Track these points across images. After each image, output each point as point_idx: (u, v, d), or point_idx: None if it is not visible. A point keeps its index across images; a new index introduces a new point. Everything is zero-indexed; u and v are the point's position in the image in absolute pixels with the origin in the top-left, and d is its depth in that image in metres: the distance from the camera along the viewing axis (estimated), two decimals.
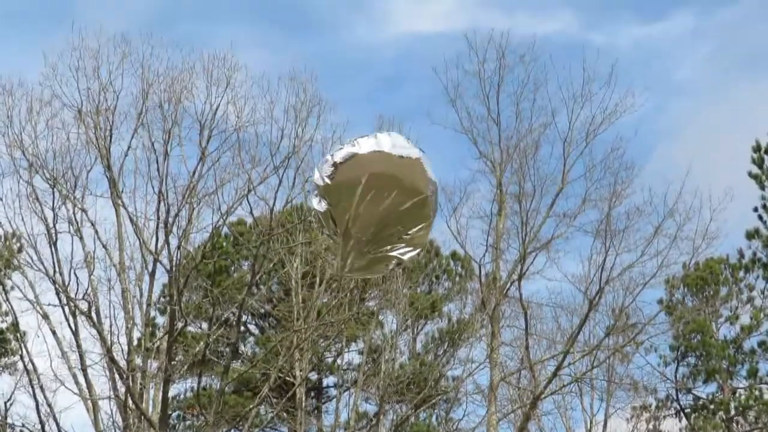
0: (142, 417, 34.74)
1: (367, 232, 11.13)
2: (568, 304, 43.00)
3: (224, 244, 41.85)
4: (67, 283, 35.09)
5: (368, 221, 11.04)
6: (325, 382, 48.91)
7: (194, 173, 34.80)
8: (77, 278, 35.26)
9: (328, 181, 10.76)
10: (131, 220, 35.62)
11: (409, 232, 11.26)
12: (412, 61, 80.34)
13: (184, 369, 39.30)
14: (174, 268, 34.83)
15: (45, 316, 35.77)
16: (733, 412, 47.89)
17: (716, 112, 73.44)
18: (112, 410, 35.92)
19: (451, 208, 40.93)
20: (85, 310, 34.98)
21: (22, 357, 38.74)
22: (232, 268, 43.44)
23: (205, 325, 40.78)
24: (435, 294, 47.14)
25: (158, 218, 34.78)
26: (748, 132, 44.66)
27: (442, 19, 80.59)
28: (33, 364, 37.21)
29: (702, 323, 47.16)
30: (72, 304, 35.15)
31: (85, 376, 35.48)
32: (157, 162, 35.01)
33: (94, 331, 35.10)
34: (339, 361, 47.25)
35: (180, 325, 36.52)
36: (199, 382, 42.03)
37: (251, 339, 48.06)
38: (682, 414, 48.83)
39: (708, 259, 46.32)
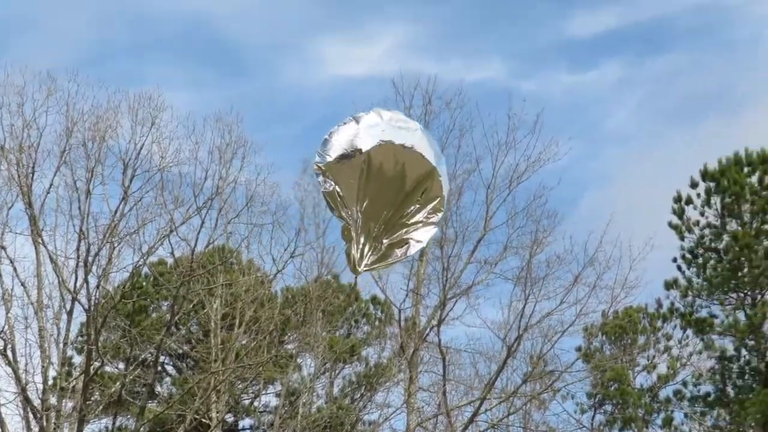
0: None
1: (380, 214, 11.17)
2: (487, 351, 43.20)
3: (144, 284, 41.79)
4: None
5: (379, 200, 11.11)
6: (241, 424, 48.84)
7: (116, 212, 34.83)
8: None
9: (329, 159, 10.80)
10: (51, 258, 35.41)
11: (423, 212, 11.44)
12: (343, 105, 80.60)
13: (99, 409, 39.02)
14: (92, 308, 34.82)
15: None
16: None
17: (644, 160, 74.33)
18: None
19: None
20: (1, 348, 34.80)
21: None
22: (152, 308, 43.38)
23: (122, 365, 40.93)
24: (354, 338, 47.22)
25: (78, 257, 34.72)
26: (673, 181, 45.32)
27: (375, 64, 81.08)
28: None
29: (619, 371, 47.50)
30: None
31: None
32: (79, 200, 35.03)
33: (9, 370, 34.86)
34: (256, 403, 47.37)
35: (96, 364, 36.56)
36: (114, 423, 42.01)
37: (168, 380, 47.94)
38: None
39: (627, 307, 46.67)
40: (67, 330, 36.01)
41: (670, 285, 45.20)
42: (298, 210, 40.94)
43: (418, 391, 41.87)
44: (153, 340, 38.73)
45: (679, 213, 45.00)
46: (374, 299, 48.29)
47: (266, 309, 38.96)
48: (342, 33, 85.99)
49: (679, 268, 45.13)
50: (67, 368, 36.74)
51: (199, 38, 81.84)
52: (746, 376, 44.37)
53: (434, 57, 79.46)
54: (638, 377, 48.92)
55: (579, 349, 46.91)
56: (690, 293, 44.94)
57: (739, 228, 43.88)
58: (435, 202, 11.55)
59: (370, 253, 11.25)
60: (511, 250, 41.99)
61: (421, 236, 11.57)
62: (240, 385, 43.53)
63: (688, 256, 44.99)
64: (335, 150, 10.87)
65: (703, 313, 44.97)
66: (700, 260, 44.76)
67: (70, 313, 35.61)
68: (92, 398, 37.39)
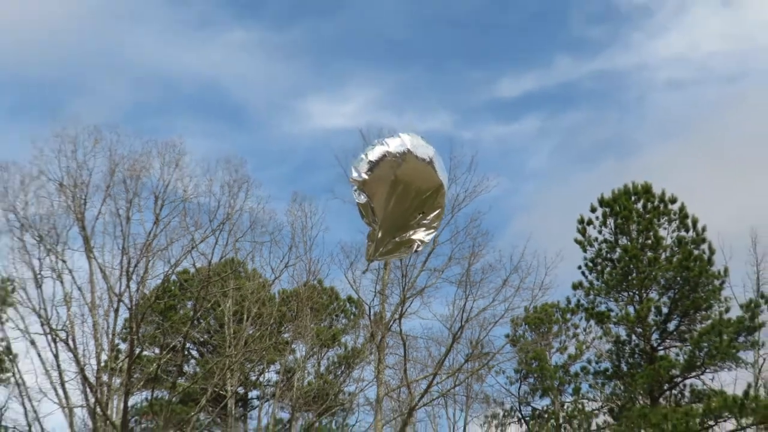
0: (108, 421, 34.56)
1: (396, 220, 11.14)
2: (437, 337, 43.22)
3: (173, 288, 41.68)
4: (50, 317, 34.93)
5: (396, 211, 11.09)
6: (250, 395, 48.59)
7: (150, 234, 34.90)
8: (58, 313, 35.22)
9: (365, 176, 10.71)
10: (100, 269, 35.43)
11: (428, 218, 11.42)
12: (323, 150, 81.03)
13: (140, 384, 38.93)
14: (133, 307, 34.80)
15: (32, 342, 35.59)
16: (561, 420, 48.25)
17: (556, 193, 74.46)
18: (84, 416, 35.76)
19: (348, 263, 41.17)
20: (64, 338, 34.77)
21: (13, 374, 38.47)
22: (179, 307, 43.23)
23: (157, 350, 40.68)
24: (335, 328, 47.02)
25: (121, 268, 34.73)
26: (578, 208, 45.29)
27: (350, 118, 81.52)
28: (22, 379, 37.18)
29: (539, 352, 47.45)
30: (53, 333, 34.93)
31: (63, 389, 35.34)
32: (121, 224, 35.12)
33: (70, 354, 34.83)
34: (261, 378, 47.13)
35: (138, 350, 36.47)
36: (152, 395, 41.69)
37: (193, 361, 47.64)
38: (523, 421, 49.11)
39: (543, 304, 46.63)
40: (114, 324, 36.09)
41: (576, 286, 44.96)
42: (289, 231, 41.01)
43: (385, 368, 41.68)
44: (180, 331, 38.57)
45: (582, 231, 44.84)
46: (350, 298, 47.98)
47: (267, 307, 38.94)
48: (324, 94, 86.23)
49: (583, 273, 44.90)
50: (115, 353, 36.58)
51: (213, 98, 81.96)
52: (636, 356, 44.07)
53: (395, 111, 79.83)
54: (553, 357, 48.80)
55: (507, 335, 47.00)
56: (591, 293, 44.63)
57: (629, 243, 43.75)
58: (437, 212, 11.56)
59: (383, 247, 11.33)
60: (454, 260, 41.97)
61: (425, 237, 11.69)
62: (248, 365, 43.42)
63: (590, 264, 44.72)
64: (368, 166, 10.80)
65: (602, 308, 44.62)
66: (599, 267, 44.52)
67: (116, 311, 35.66)
68: (135, 376, 37.12)
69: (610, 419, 45.60)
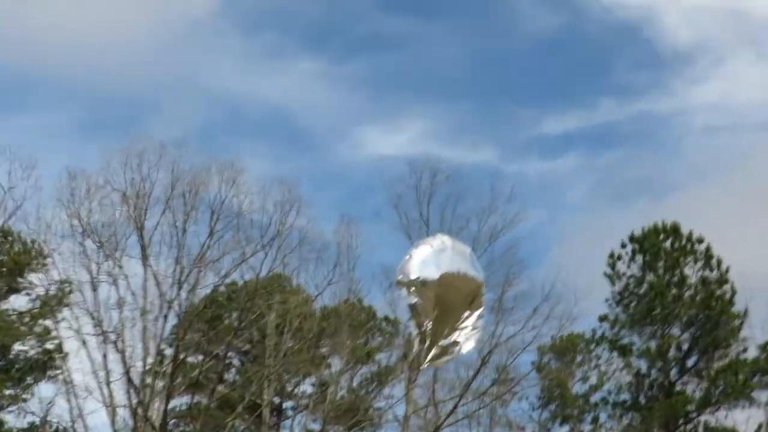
0: (148, 422, 34.53)
1: (445, 322, 10.60)
2: (466, 360, 42.77)
3: (220, 298, 41.66)
4: (102, 319, 35.11)
5: (443, 313, 10.53)
6: (284, 405, 48.41)
7: (204, 245, 35.25)
8: (110, 316, 35.35)
9: (411, 277, 10.28)
10: (154, 276, 35.70)
11: (472, 318, 10.89)
12: (375, 176, 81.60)
13: (182, 389, 38.93)
14: (182, 314, 34.92)
15: (83, 343, 35.69)
16: None
17: (591, 227, 74.35)
18: (125, 416, 35.64)
19: (388, 283, 40.98)
20: (114, 340, 34.87)
21: (63, 372, 38.42)
22: (225, 317, 43.24)
23: (200, 357, 40.64)
24: (370, 346, 46.95)
25: (174, 277, 35.05)
26: (610, 243, 45.12)
27: (402, 146, 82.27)
28: (71, 377, 37.15)
29: (562, 381, 47.27)
30: (104, 334, 35.04)
31: (109, 388, 35.34)
32: (177, 236, 35.48)
33: (118, 356, 35.00)
34: (296, 390, 46.97)
35: (182, 356, 36.50)
36: (192, 399, 41.89)
37: (233, 370, 47.64)
38: None
39: (570, 333, 46.37)
40: (163, 329, 36.36)
41: (602, 318, 44.86)
42: (335, 250, 41.01)
43: (414, 387, 41.59)
44: (224, 340, 38.75)
45: (612, 266, 44.76)
46: (386, 318, 48.04)
47: (308, 321, 38.92)
48: (379, 123, 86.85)
49: (609, 306, 44.87)
50: (160, 357, 36.71)
51: (277, 122, 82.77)
52: (654, 389, 43.95)
53: (445, 144, 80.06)
54: (575, 385, 48.52)
55: (533, 362, 46.68)
56: (617, 325, 44.61)
57: (655, 279, 43.67)
58: (480, 310, 11.04)
59: (431, 352, 10.75)
60: (489, 287, 41.53)
61: (470, 341, 11.13)
62: (285, 376, 43.42)
63: (617, 297, 44.68)
64: (414, 271, 10.36)
65: (626, 341, 44.59)
66: (625, 301, 44.48)
67: (165, 317, 35.97)
68: (177, 380, 37.14)
69: None
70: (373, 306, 46.36)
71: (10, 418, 40.82)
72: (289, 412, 47.84)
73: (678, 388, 43.45)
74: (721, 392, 41.90)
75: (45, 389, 51.07)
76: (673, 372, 43.54)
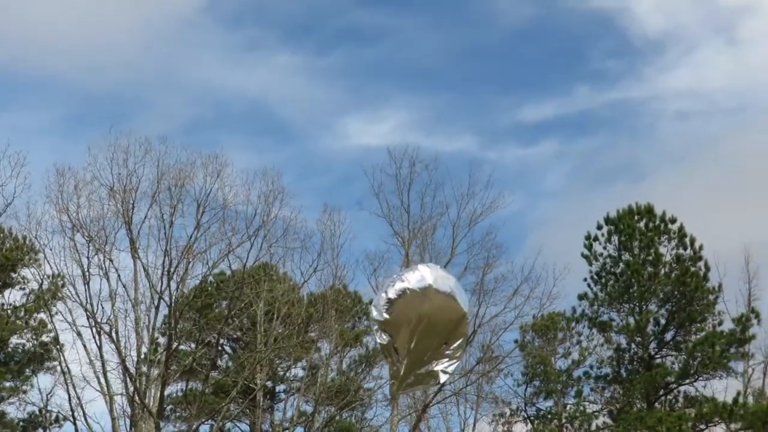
0: (145, 409, 34.84)
1: (419, 355, 9.98)
2: None
3: (210, 288, 41.87)
4: (95, 311, 35.25)
5: (420, 347, 9.97)
6: (277, 388, 48.67)
7: (191, 238, 35.32)
8: (103, 308, 35.50)
9: (386, 315, 9.71)
10: (144, 268, 35.80)
11: (451, 348, 10.27)
12: (358, 166, 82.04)
13: (176, 376, 39.21)
14: (173, 304, 35.16)
15: (78, 334, 35.88)
16: (563, 420, 48.22)
17: (569, 211, 74.72)
18: (123, 403, 35.95)
19: (372, 269, 41.37)
20: (108, 331, 35.09)
21: (60, 363, 38.77)
22: (215, 306, 43.43)
23: (193, 345, 40.90)
24: (358, 329, 47.20)
25: (163, 268, 35.10)
26: (587, 226, 45.43)
27: (383, 136, 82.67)
28: (68, 368, 37.44)
29: (544, 357, 47.56)
30: (98, 326, 35.22)
31: (105, 378, 35.60)
32: (165, 228, 35.43)
33: (113, 346, 35.22)
34: (287, 374, 47.22)
35: (175, 344, 36.78)
36: (187, 386, 42.16)
37: (226, 356, 47.82)
38: (528, 421, 49.06)
39: (550, 312, 46.53)
40: (155, 319, 36.55)
41: (581, 297, 45.09)
42: (319, 238, 41.26)
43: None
44: (215, 328, 38.92)
45: (589, 247, 45.00)
46: (371, 302, 47.62)
47: (296, 308, 39.09)
48: (360, 114, 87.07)
49: (588, 285, 45.03)
50: (154, 346, 36.83)
51: (260, 115, 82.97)
52: (634, 363, 44.24)
53: (426, 133, 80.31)
54: (558, 362, 48.79)
55: (516, 341, 46.94)
56: (596, 303, 44.81)
57: (631, 258, 43.94)
58: (460, 341, 10.41)
59: (406, 381, 10.15)
60: (470, 270, 42.37)
61: (449, 368, 10.43)
62: (277, 361, 43.69)
63: (595, 277, 44.88)
64: (388, 305, 9.76)
65: (605, 318, 44.84)
66: (603, 280, 44.68)
67: (157, 308, 36.13)
68: (171, 368, 37.37)
69: (609, 421, 45.73)
70: (359, 291, 46.80)
71: (11, 410, 41.33)
72: (282, 395, 48.14)
73: (657, 360, 43.78)
74: (699, 363, 42.18)
75: (43, 380, 51.75)
76: (652, 346, 43.82)
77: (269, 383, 46.51)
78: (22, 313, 39.07)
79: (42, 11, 75.90)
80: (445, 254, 42.50)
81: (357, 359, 47.22)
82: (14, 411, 41.49)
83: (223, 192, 36.03)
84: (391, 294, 9.80)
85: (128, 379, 35.21)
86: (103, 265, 35.66)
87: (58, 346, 39.19)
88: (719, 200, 68.55)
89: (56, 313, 37.86)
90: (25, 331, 39.55)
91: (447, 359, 10.31)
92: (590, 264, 45.02)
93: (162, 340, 39.35)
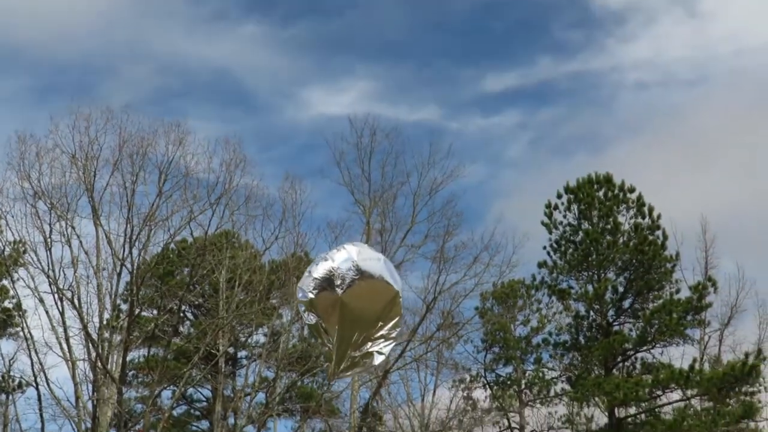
0: (107, 374, 34.74)
1: (351, 336, 9.67)
2: (413, 307, 43.18)
3: (171, 255, 41.67)
4: (57, 278, 34.98)
5: (351, 328, 9.66)
6: (239, 354, 48.64)
7: (153, 205, 35.03)
8: (65, 275, 35.22)
9: (311, 295, 9.39)
10: (106, 235, 35.47)
11: (386, 328, 9.93)
12: (320, 135, 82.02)
13: (139, 342, 39.03)
14: (135, 271, 34.99)
15: (41, 300, 35.54)
16: (523, 386, 48.67)
17: (530, 180, 75.24)
18: (85, 369, 35.83)
19: (333, 237, 41.35)
20: (70, 297, 34.89)
21: (22, 329, 38.65)
22: (176, 273, 43.23)
23: (155, 311, 40.83)
24: None
25: (125, 235, 34.86)
26: (547, 194, 45.72)
27: (346, 106, 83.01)
28: (30, 334, 37.24)
29: (504, 324, 47.81)
30: (60, 292, 35.01)
31: (68, 343, 35.36)
32: (127, 196, 35.14)
33: (75, 312, 34.97)
34: (249, 340, 47.21)
35: (137, 310, 36.70)
36: (149, 351, 42.05)
37: (188, 322, 47.65)
38: (488, 387, 49.37)
39: (510, 280, 46.75)
40: (117, 286, 36.29)
41: (541, 265, 45.41)
42: (280, 206, 41.19)
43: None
44: (177, 295, 38.78)
45: (549, 215, 45.27)
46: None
47: (257, 275, 39.06)
48: (323, 84, 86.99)
49: (547, 253, 45.34)
50: (116, 313, 36.74)
51: (225, 85, 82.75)
52: (593, 330, 44.60)
53: (389, 103, 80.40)
54: (517, 329, 49.03)
55: (476, 308, 47.16)
56: (555, 271, 45.14)
57: (590, 227, 44.22)
58: (395, 320, 9.97)
59: (343, 364, 9.76)
60: (430, 238, 42.40)
61: (384, 349, 9.97)
62: (238, 327, 43.62)
63: (554, 245, 45.16)
64: (313, 284, 9.37)
65: (564, 285, 45.15)
66: (563, 248, 44.96)
67: (119, 275, 35.79)
68: (134, 334, 37.21)
69: (567, 387, 46.11)
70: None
71: None
72: (244, 361, 47.99)
73: (615, 328, 44.12)
74: (656, 331, 42.60)
75: (6, 346, 51.49)
76: (611, 313, 44.14)
77: (231, 349, 46.44)
78: None
79: None
80: (405, 222, 42.63)
81: None
82: None
83: (185, 160, 35.79)
84: (317, 274, 9.45)
85: (90, 345, 34.99)
86: (65, 232, 35.41)
87: (20, 312, 39.03)
88: (677, 170, 69.24)
89: (18, 279, 37.60)
90: None
91: (383, 339, 9.96)
92: (550, 232, 45.35)
93: (124, 306, 39.21)
